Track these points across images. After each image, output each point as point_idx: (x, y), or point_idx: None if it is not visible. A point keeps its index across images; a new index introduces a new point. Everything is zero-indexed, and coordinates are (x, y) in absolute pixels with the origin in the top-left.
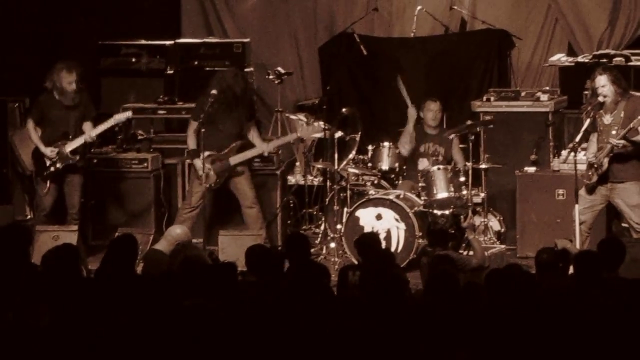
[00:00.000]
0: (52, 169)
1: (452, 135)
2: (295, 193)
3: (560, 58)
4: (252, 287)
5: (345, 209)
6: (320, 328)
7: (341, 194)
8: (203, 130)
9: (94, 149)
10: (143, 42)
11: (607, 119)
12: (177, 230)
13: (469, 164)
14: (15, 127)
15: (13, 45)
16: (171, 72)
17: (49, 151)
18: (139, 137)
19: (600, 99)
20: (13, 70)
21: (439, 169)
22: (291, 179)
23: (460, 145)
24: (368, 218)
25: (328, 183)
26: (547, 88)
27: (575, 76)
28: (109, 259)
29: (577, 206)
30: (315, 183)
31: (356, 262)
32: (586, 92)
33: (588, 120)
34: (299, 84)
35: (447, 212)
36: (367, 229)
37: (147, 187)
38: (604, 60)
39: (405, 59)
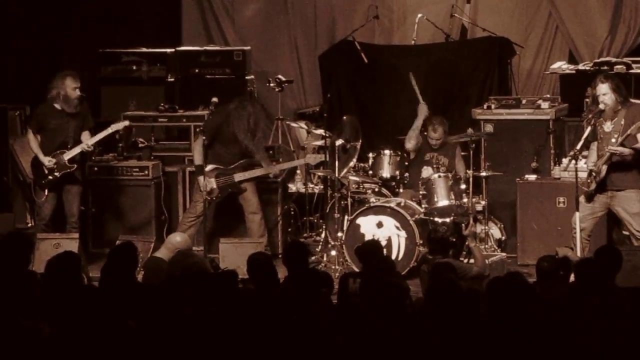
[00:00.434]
0: (50, 177)
1: (453, 140)
2: (296, 201)
3: (561, 66)
4: (252, 295)
5: (346, 217)
6: (321, 336)
7: (342, 202)
8: (204, 139)
9: (95, 156)
10: (144, 50)
11: (608, 126)
12: (177, 238)
13: (470, 172)
14: (15, 135)
15: (14, 53)
16: (172, 80)
17: (47, 161)
18: (140, 145)
19: (601, 106)
20: (14, 77)
21: (439, 176)
22: (292, 187)
23: (463, 153)
24: (369, 226)
25: (329, 191)
26: (548, 96)
27: (576, 84)
28: (109, 266)
29: (577, 213)
30: (316, 191)
31: (357, 270)
32: (587, 100)
33: (589, 128)
34: (299, 92)
35: (447, 219)
36: (367, 237)
37: (147, 194)
38: (605, 68)
39: (406, 66)
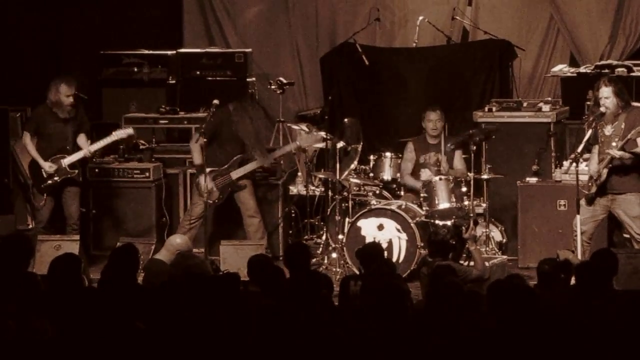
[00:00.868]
0: (49, 182)
1: (451, 146)
2: (297, 203)
3: (562, 69)
4: (254, 297)
5: (347, 219)
6: (322, 338)
7: (343, 204)
8: (204, 140)
9: (96, 158)
10: (145, 51)
11: (608, 129)
12: (177, 240)
13: (471, 174)
14: (16, 136)
15: (15, 54)
16: (173, 82)
17: (47, 166)
18: (141, 147)
19: (602, 109)
20: (15, 79)
21: (440, 179)
22: (293, 189)
23: (464, 156)
24: (370, 228)
25: (330, 193)
26: (549, 99)
27: (577, 87)
28: (110, 268)
29: (578, 216)
30: (317, 193)
31: (358, 272)
32: (588, 103)
33: (590, 131)
34: (300, 94)
35: (448, 222)
36: (368, 239)
37: (148, 197)
38: (606, 71)
39: (407, 69)
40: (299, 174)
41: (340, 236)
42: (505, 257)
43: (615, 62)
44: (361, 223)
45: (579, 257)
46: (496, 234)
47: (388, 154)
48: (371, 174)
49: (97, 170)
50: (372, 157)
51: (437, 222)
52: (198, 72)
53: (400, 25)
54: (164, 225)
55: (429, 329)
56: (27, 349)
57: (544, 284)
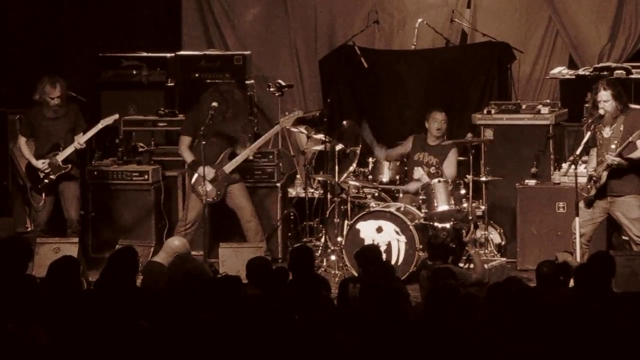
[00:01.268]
0: (46, 180)
1: (447, 142)
2: (296, 205)
3: (561, 71)
4: (253, 300)
5: (346, 222)
6: (321, 340)
7: (342, 207)
8: (204, 142)
9: (95, 161)
10: (143, 54)
11: (607, 132)
12: (175, 242)
13: (470, 177)
14: (15, 139)
15: (14, 57)
16: (172, 84)
17: (40, 164)
18: (140, 150)
19: (601, 112)
20: (14, 82)
21: (439, 181)
22: (292, 192)
23: (460, 158)
24: (368, 231)
25: (328, 195)
26: (548, 101)
27: (576, 89)
28: (109, 271)
29: (577, 219)
30: (316, 195)
31: (356, 275)
32: (587, 105)
33: (589, 134)
34: (299, 97)
35: (447, 225)
36: (367, 242)
37: (147, 199)
38: (605, 73)
39: (406, 71)
40: (298, 176)
41: (339, 239)
42: (504, 259)
43: (613, 65)
44: (360, 225)
45: (578, 259)
46: (495, 237)
47: None
48: (370, 177)
49: (96, 172)
50: (370, 159)
51: (436, 224)
52: (197, 75)
53: (399, 28)
54: (163, 228)
55: (428, 332)
56: (25, 353)
57: (542, 286)
